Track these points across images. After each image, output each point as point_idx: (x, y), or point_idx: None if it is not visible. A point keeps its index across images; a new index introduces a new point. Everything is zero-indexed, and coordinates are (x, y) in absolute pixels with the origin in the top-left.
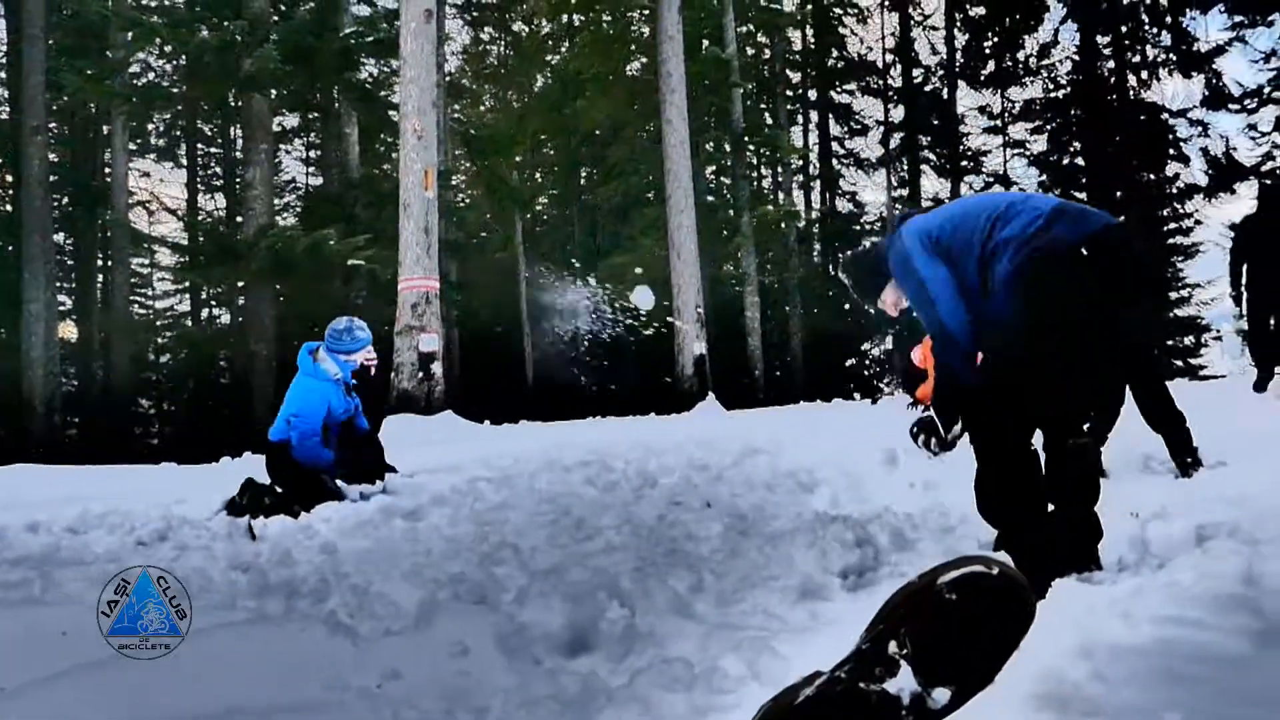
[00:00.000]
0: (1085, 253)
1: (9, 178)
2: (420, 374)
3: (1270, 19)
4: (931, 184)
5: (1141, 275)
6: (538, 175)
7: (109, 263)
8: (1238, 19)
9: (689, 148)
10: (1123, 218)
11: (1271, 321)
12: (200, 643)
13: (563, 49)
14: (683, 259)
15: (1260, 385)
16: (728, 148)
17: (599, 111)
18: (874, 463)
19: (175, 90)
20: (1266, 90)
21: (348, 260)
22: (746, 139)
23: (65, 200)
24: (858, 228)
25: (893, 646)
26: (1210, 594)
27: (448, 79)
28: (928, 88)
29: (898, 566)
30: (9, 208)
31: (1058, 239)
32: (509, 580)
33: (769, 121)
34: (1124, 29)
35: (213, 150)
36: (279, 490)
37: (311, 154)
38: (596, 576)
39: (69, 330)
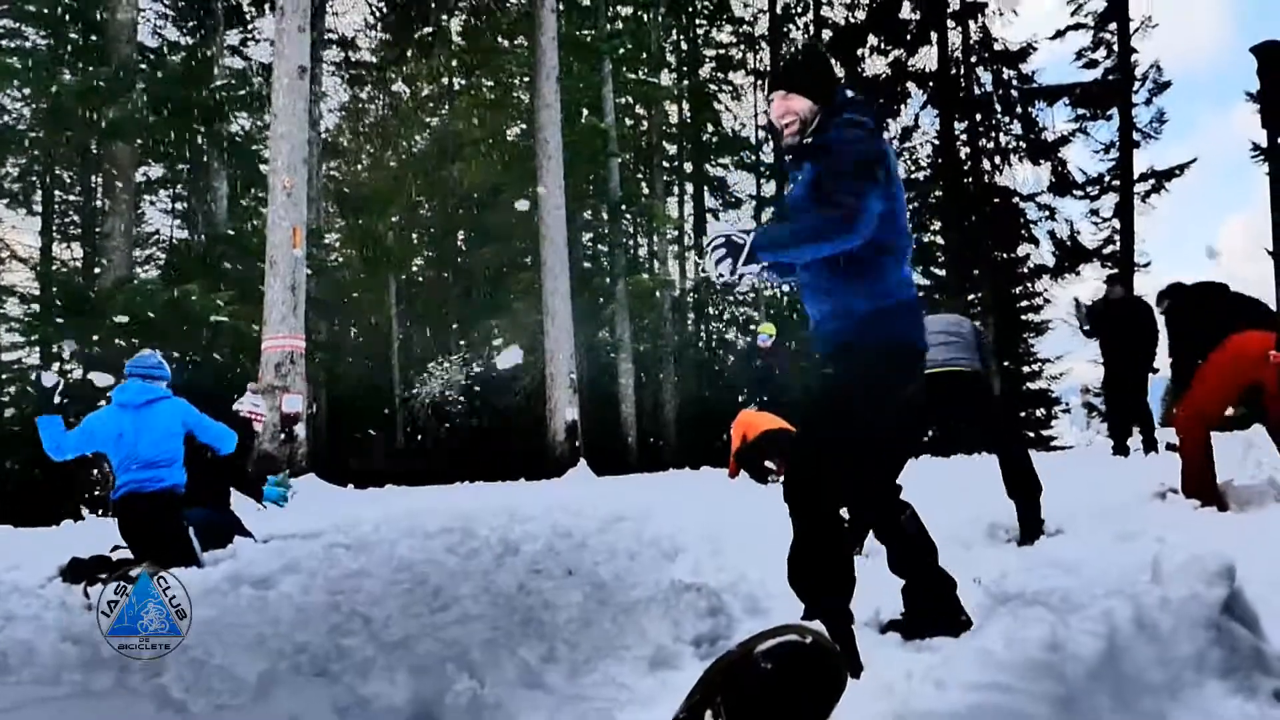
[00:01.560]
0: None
1: None
2: (283, 435)
3: (1109, 114)
4: None
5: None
6: (414, 236)
7: None
8: (1081, 112)
9: (565, 214)
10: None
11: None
12: None
13: (443, 111)
14: (557, 324)
15: (1118, 451)
16: (604, 215)
17: (477, 175)
18: (736, 528)
19: (32, 135)
20: (1106, 179)
21: (211, 316)
22: (623, 208)
23: None
24: (731, 298)
25: (708, 716)
26: (1018, 660)
27: (324, 137)
28: None
29: (751, 633)
30: None
31: (895, 333)
32: (356, 651)
33: (645, 191)
34: (979, 116)
35: (71, 198)
36: (131, 554)
37: (178, 206)
38: (447, 648)
39: None
